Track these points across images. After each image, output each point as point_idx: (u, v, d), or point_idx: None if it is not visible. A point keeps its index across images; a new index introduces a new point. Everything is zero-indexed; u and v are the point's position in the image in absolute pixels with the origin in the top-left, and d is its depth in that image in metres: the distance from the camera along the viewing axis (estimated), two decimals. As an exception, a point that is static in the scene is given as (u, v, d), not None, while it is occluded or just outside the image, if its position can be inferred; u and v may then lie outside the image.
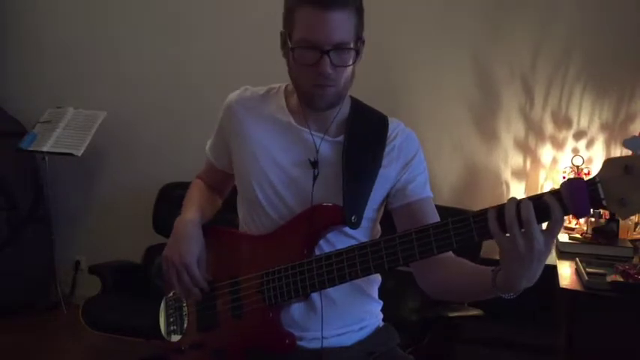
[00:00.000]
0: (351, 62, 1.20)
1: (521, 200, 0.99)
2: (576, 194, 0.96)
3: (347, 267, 1.16)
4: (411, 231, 1.11)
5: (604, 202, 0.96)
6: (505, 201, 1.00)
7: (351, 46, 1.18)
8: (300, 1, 1.16)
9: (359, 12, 1.20)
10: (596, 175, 0.97)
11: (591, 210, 0.97)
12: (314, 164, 1.26)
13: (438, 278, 1.24)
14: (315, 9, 1.15)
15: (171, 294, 1.43)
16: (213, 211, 1.48)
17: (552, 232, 0.98)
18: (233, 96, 1.38)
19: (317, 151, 1.27)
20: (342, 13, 1.15)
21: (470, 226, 1.03)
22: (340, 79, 1.20)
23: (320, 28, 1.15)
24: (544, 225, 0.99)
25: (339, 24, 1.16)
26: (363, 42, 1.24)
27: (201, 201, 1.45)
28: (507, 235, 0.99)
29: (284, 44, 1.24)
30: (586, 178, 0.98)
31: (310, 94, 1.23)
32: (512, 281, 1.03)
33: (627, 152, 1.02)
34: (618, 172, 0.95)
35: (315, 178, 1.26)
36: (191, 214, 1.39)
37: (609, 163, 0.97)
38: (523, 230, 0.97)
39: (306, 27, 1.17)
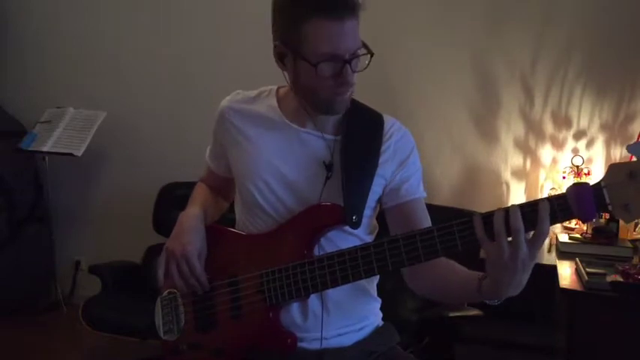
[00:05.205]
0: (366, 65, 1.20)
1: (509, 208, 1.00)
2: (583, 199, 0.97)
3: (350, 268, 1.16)
4: (415, 233, 1.11)
5: (609, 207, 0.98)
6: (506, 201, 1.01)
7: (365, 50, 1.19)
8: (311, 14, 1.13)
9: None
10: (602, 180, 0.99)
11: (597, 214, 0.99)
12: (328, 167, 1.26)
13: (426, 279, 1.26)
14: (332, 21, 1.13)
15: (165, 293, 1.40)
16: (218, 213, 1.49)
17: (535, 243, 0.99)
18: (225, 102, 1.38)
19: (331, 154, 1.27)
20: (354, 21, 1.16)
21: (453, 235, 1.05)
22: (355, 82, 1.22)
23: (341, 39, 1.15)
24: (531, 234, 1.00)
25: (354, 31, 1.16)
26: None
27: (204, 200, 1.45)
28: (494, 242, 1.00)
29: (282, 57, 1.22)
30: (591, 183, 1.00)
31: (330, 102, 1.23)
32: (497, 289, 1.05)
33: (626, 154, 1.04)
34: (623, 178, 0.96)
35: (327, 179, 1.26)
36: (195, 209, 1.39)
37: (614, 169, 0.98)
38: (510, 239, 0.99)
39: (324, 39, 1.14)
